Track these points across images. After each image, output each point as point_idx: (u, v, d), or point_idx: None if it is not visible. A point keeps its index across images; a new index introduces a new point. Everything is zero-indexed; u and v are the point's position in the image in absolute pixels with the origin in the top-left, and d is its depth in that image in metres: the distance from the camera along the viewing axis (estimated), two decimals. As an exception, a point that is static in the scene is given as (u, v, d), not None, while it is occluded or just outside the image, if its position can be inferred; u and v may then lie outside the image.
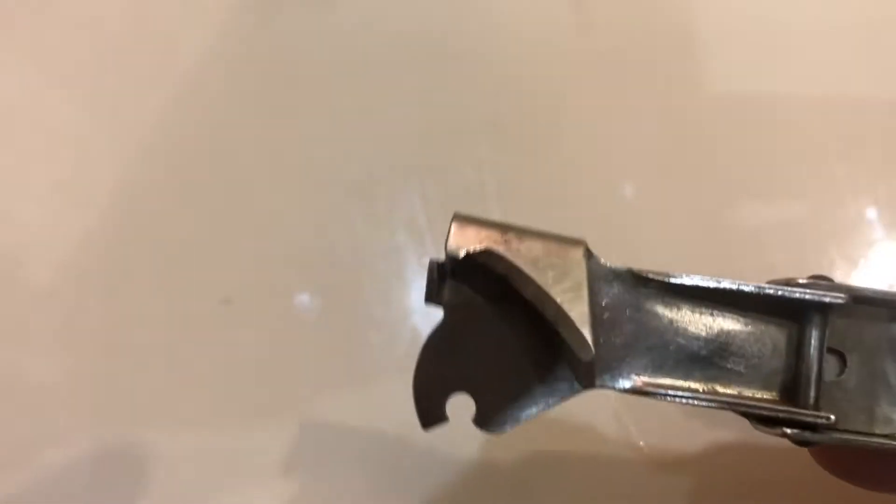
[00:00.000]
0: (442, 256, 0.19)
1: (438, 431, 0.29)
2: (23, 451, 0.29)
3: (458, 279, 0.20)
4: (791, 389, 0.20)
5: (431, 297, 0.20)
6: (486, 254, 0.19)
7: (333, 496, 0.29)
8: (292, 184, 0.32)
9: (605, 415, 0.29)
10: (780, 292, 0.20)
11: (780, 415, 0.19)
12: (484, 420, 0.20)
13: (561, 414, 0.29)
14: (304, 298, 0.30)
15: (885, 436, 0.20)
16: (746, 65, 0.33)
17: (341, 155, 0.32)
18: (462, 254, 0.19)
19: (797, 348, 0.20)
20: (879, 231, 0.31)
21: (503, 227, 0.20)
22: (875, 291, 0.20)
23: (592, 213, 0.31)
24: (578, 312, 0.18)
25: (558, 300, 0.18)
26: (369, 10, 0.34)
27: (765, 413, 0.20)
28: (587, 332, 0.18)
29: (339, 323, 0.30)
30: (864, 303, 0.20)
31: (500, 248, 0.19)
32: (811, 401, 0.20)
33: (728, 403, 0.20)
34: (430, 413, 0.20)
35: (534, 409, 0.20)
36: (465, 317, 0.20)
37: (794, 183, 0.32)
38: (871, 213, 0.31)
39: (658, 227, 0.31)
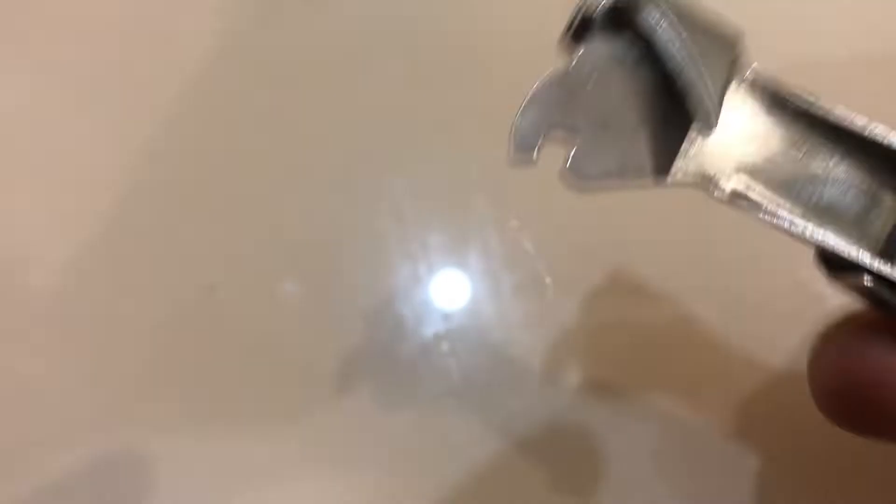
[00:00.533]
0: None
1: (437, 418, 0.30)
2: (17, 455, 0.29)
3: (593, 33, 0.19)
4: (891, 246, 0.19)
5: (569, 32, 0.19)
6: (644, 5, 0.18)
7: (322, 490, 0.29)
8: (277, 170, 0.32)
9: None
10: None
11: (875, 266, 0.18)
12: (575, 166, 0.19)
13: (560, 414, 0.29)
14: (287, 284, 0.30)
15: None
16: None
17: (327, 143, 0.32)
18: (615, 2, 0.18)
19: None
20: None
21: None
22: None
23: (582, 205, 0.32)
24: (714, 85, 0.18)
25: (699, 68, 0.18)
26: (362, 5, 0.34)
27: (859, 260, 0.18)
28: (713, 104, 0.18)
29: (322, 309, 0.30)
30: None
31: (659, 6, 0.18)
32: None
33: (828, 236, 0.18)
34: (525, 142, 0.19)
35: (621, 180, 0.19)
36: (590, 67, 0.19)
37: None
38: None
39: (650, 215, 0.32)
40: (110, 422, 0.29)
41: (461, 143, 0.32)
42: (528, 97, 0.19)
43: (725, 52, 0.19)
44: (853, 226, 0.19)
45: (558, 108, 0.19)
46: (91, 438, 0.29)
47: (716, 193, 0.18)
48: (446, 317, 0.30)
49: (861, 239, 0.19)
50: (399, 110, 0.32)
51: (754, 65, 0.19)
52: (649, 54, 0.19)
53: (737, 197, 0.18)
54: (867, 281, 0.18)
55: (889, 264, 0.18)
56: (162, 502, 0.28)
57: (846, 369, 0.19)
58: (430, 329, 0.30)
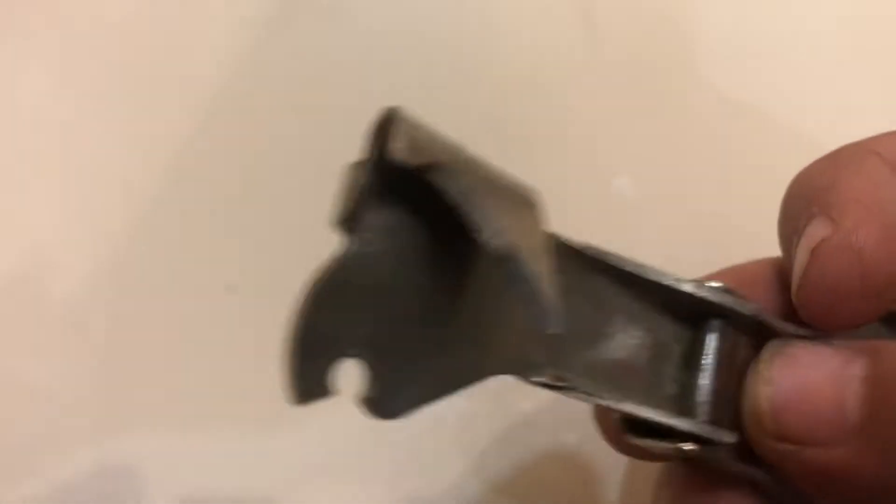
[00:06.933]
0: (370, 161, 0.14)
1: (439, 422, 0.30)
2: (24, 459, 0.29)
3: (383, 201, 0.14)
4: (683, 399, 0.18)
5: (348, 215, 0.14)
6: (446, 173, 0.14)
7: (333, 494, 0.30)
8: (296, 175, 0.33)
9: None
10: (683, 288, 0.18)
11: (680, 426, 0.17)
12: (378, 400, 0.14)
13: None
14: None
15: None
16: (750, 73, 0.34)
17: (347, 150, 0.32)
18: (414, 164, 0.14)
19: (692, 355, 0.18)
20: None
21: (456, 147, 0.15)
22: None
23: (593, 212, 0.32)
24: (542, 271, 0.14)
25: (522, 253, 0.13)
26: (377, 21, 0.35)
27: (662, 421, 0.17)
28: (552, 301, 0.14)
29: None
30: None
31: (458, 171, 0.14)
32: (707, 416, 0.18)
33: (641, 409, 0.17)
34: (309, 380, 0.14)
35: (437, 393, 0.15)
36: (379, 253, 0.14)
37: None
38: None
39: (658, 227, 0.32)
40: (120, 425, 0.30)
41: (481, 153, 0.32)
42: (297, 320, 0.14)
43: (534, 220, 0.16)
44: (650, 390, 0.18)
45: (343, 328, 0.14)
46: (101, 441, 0.29)
47: (534, 381, 0.17)
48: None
49: (665, 400, 0.18)
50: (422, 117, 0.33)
51: (555, 232, 0.17)
52: (437, 223, 0.14)
53: (549, 387, 0.17)
54: (690, 447, 0.17)
55: (691, 419, 0.17)
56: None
57: None
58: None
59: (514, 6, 0.35)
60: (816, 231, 0.18)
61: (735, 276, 0.20)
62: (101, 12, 0.35)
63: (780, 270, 0.20)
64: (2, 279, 0.31)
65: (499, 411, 0.30)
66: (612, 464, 0.29)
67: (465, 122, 0.33)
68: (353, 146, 0.33)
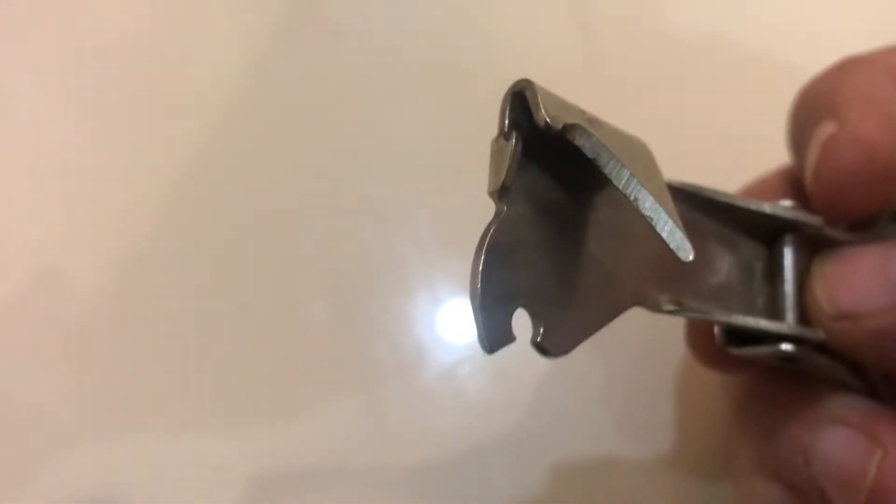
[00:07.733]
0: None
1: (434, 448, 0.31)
2: (27, 469, 0.29)
3: (529, 165, 0.17)
4: (773, 309, 0.20)
5: (505, 182, 0.17)
6: (580, 132, 0.16)
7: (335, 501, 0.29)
8: (307, 197, 0.33)
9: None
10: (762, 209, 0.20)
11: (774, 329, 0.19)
12: (547, 340, 0.16)
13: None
14: (315, 307, 0.32)
15: None
16: (761, 91, 0.34)
17: (356, 172, 0.33)
18: (558, 127, 0.16)
19: (773, 269, 0.21)
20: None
21: (579, 108, 0.17)
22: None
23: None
24: (671, 209, 0.16)
25: (653, 195, 0.15)
26: (382, 40, 0.35)
27: (764, 328, 0.19)
28: (684, 233, 0.15)
29: (347, 331, 0.31)
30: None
31: (589, 129, 0.16)
32: (795, 319, 0.20)
33: (748, 320, 0.19)
34: (497, 329, 0.16)
35: (589, 331, 0.17)
36: (527, 213, 0.17)
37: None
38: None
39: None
40: (130, 443, 0.30)
41: (481, 175, 0.33)
42: (481, 274, 0.16)
43: (654, 166, 0.18)
44: (746, 304, 0.20)
45: (513, 279, 0.16)
46: (107, 456, 0.29)
47: (664, 309, 0.19)
48: (466, 340, 0.31)
49: (757, 311, 0.20)
50: (421, 142, 0.34)
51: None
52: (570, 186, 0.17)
53: (675, 312, 0.19)
54: (788, 348, 0.19)
55: (786, 323, 0.20)
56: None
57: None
58: (450, 352, 0.31)
59: (511, 17, 0.36)
60: (825, 130, 0.20)
61: (751, 190, 0.23)
62: (105, 29, 0.35)
63: (791, 177, 0.23)
64: (12, 296, 0.31)
65: (500, 422, 0.30)
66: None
67: (463, 127, 0.34)
68: (367, 173, 0.34)
